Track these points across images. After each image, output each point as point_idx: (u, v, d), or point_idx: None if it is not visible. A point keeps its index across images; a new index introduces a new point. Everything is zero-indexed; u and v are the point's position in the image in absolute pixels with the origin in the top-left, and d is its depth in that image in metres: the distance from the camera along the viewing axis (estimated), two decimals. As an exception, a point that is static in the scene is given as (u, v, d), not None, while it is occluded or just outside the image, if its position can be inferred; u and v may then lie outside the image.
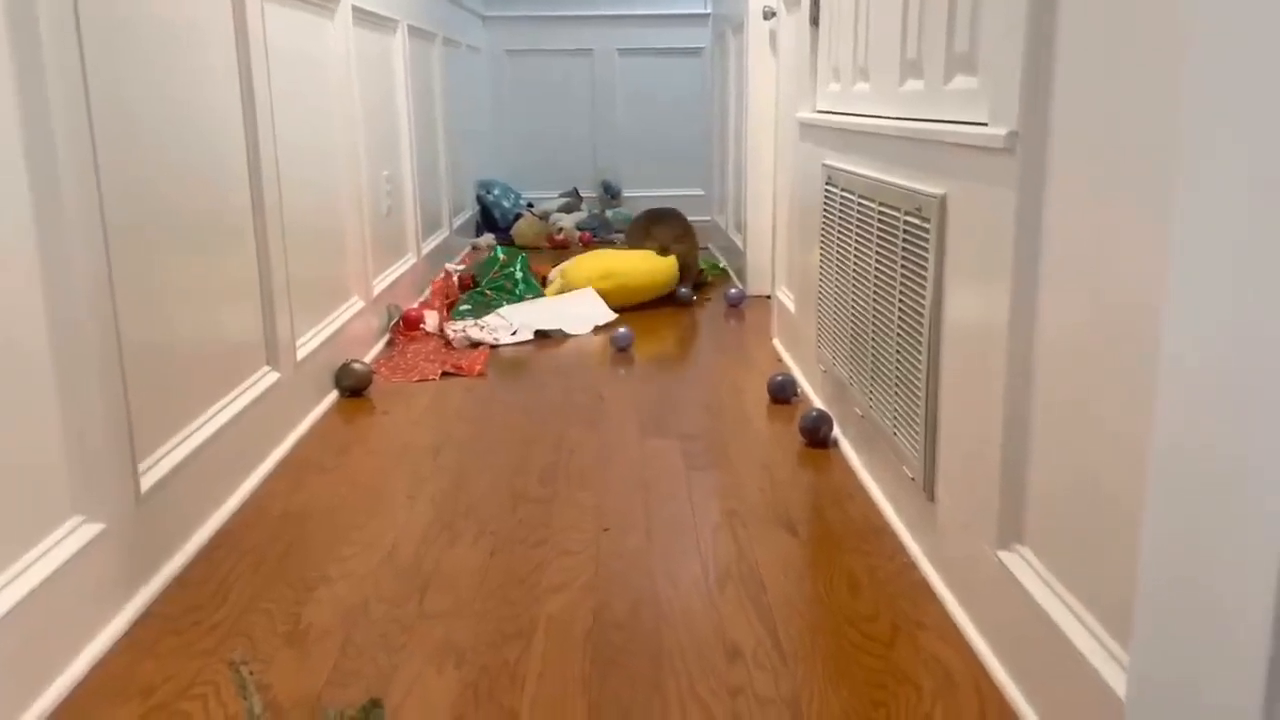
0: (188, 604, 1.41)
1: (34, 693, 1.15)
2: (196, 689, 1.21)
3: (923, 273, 1.44)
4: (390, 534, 1.63)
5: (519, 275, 3.34)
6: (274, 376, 1.95)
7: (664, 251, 3.44)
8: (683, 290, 3.37)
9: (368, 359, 2.60)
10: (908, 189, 1.51)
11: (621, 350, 2.79)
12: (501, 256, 3.43)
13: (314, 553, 1.57)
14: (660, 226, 3.69)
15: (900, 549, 1.56)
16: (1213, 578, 0.54)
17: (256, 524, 1.67)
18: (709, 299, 3.49)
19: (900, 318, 1.56)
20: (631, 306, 3.26)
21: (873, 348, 1.72)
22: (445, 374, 2.54)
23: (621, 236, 4.86)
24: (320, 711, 1.15)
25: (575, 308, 3.13)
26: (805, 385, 2.36)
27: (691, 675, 1.24)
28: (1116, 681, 0.92)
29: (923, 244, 1.44)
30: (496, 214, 4.97)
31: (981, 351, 1.24)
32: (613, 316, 3.14)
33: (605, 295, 3.19)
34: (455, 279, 3.47)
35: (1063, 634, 1.03)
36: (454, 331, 2.81)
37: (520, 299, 3.22)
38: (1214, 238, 0.62)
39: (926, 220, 1.42)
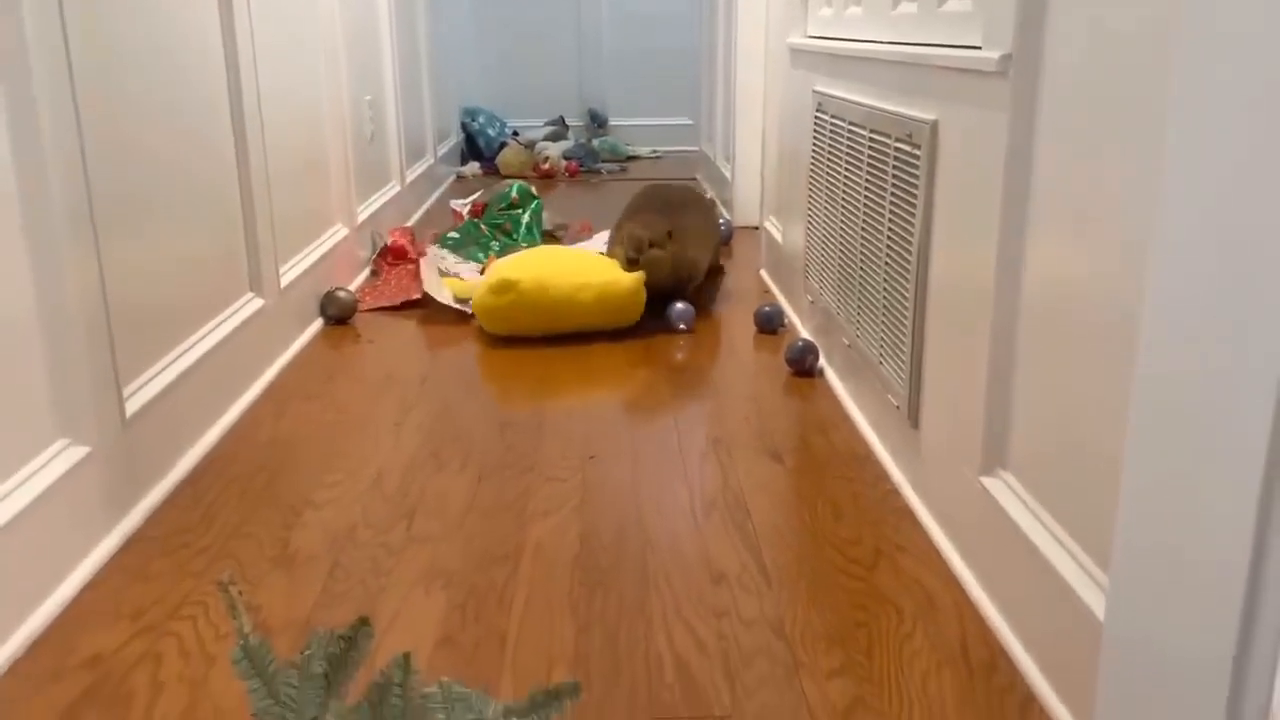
0: (175, 527, 1.41)
1: (23, 614, 1.16)
2: (185, 610, 1.22)
3: (912, 200, 1.43)
4: (376, 461, 1.64)
5: (524, 220, 3.09)
6: (258, 303, 1.94)
7: (632, 263, 2.23)
8: (678, 308, 2.29)
9: (352, 287, 2.58)
10: (899, 115, 1.49)
11: (684, 330, 2.29)
12: (514, 195, 3.12)
13: (300, 478, 1.57)
14: (648, 214, 2.32)
15: (884, 476, 1.58)
16: (1193, 501, 0.54)
17: (243, 450, 1.67)
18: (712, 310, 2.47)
19: (889, 246, 1.55)
20: (555, 337, 2.20)
21: (860, 277, 1.72)
22: (426, 294, 2.51)
23: (612, 167, 4.77)
24: (310, 632, 1.16)
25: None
26: (792, 316, 2.35)
27: (677, 598, 1.25)
28: (1096, 603, 0.94)
29: (913, 171, 1.43)
30: (481, 142, 4.90)
31: (969, 279, 1.24)
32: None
33: (490, 315, 2.20)
34: (465, 211, 3.31)
35: (1043, 557, 1.05)
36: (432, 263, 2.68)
37: (514, 245, 2.99)
38: (1207, 160, 0.61)
39: (917, 147, 1.41)
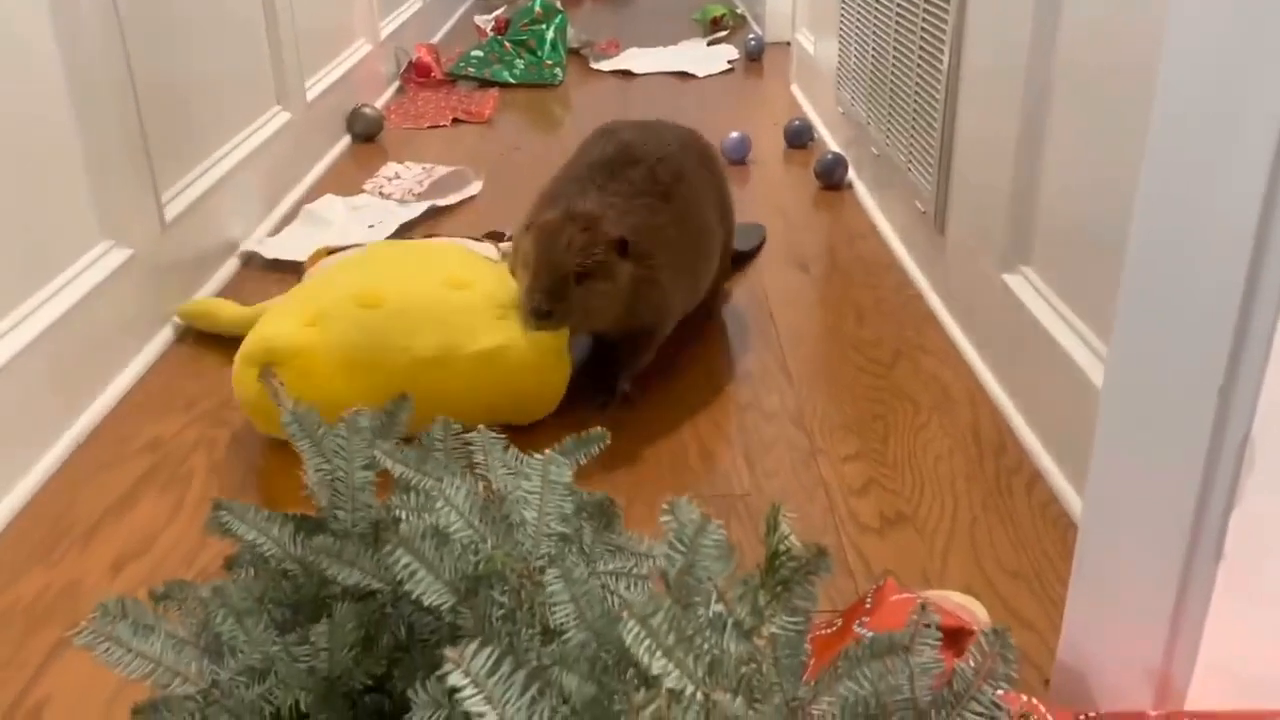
0: (220, 329, 1.47)
1: (82, 403, 1.23)
2: (235, 402, 1.28)
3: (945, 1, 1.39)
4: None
5: (549, 36, 3.01)
6: (285, 116, 1.94)
7: (542, 316, 1.12)
8: (620, 383, 1.26)
9: (379, 105, 2.56)
10: (937, -96, 1.43)
11: (737, 162, 2.12)
12: (538, 10, 3.04)
13: (337, 285, 1.61)
14: (592, 189, 1.21)
15: (908, 282, 1.60)
16: (1192, 254, 0.56)
17: (282, 259, 1.71)
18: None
19: (921, 45, 1.52)
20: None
21: (891, 83, 1.69)
22: (456, 120, 2.51)
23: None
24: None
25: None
26: (822, 130, 2.32)
27: (702, 393, 1.30)
28: (1104, 384, 0.97)
29: (949, -36, 1.38)
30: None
31: (999, 80, 1.22)
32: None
33: (254, 406, 1.14)
34: (489, 28, 3.24)
35: (1060, 347, 1.07)
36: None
37: (539, 62, 2.97)
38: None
39: (954, -63, 1.36)
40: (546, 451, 0.61)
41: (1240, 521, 0.53)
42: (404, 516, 0.56)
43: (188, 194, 1.53)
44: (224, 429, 1.23)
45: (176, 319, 1.44)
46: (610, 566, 0.59)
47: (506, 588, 0.52)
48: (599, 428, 0.64)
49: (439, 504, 0.56)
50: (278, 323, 1.14)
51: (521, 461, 0.67)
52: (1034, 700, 0.62)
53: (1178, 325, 0.56)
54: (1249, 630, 0.56)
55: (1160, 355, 0.57)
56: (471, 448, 0.69)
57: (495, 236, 1.58)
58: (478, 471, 0.65)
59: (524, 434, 1.15)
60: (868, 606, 0.70)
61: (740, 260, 1.66)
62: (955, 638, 0.63)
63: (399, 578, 0.52)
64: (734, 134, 2.17)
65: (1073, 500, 1.04)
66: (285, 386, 0.92)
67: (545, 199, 1.26)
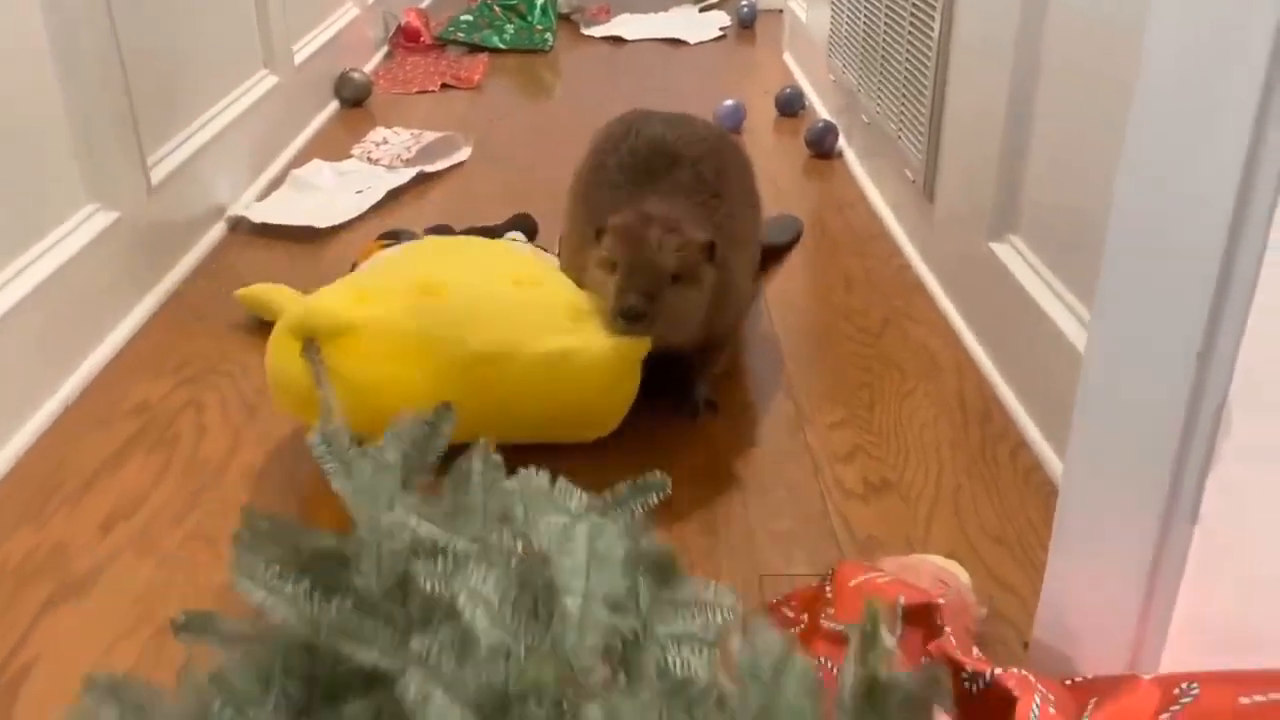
0: (210, 291, 1.47)
1: (72, 364, 1.23)
2: (224, 365, 1.28)
3: (940, -37, 1.38)
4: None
5: (539, 1, 2.98)
6: (272, 80, 1.92)
7: (634, 319, 1.03)
8: (698, 392, 1.19)
9: (367, 70, 2.54)
10: None
11: (731, 131, 2.05)
12: None
13: (329, 250, 1.61)
14: (657, 194, 1.13)
15: (897, 251, 1.60)
16: (1172, 224, 0.56)
17: (270, 224, 1.70)
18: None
19: (912, 17, 1.51)
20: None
21: (883, 51, 1.68)
22: (445, 85, 2.49)
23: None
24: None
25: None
26: (814, 98, 2.31)
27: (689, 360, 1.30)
28: (1088, 352, 0.98)
29: (942, -69, 1.37)
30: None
31: (989, 50, 1.22)
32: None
33: (289, 392, 1.05)
34: None
35: (1044, 314, 1.08)
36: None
37: (529, 27, 2.93)
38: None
39: (948, -97, 1.35)
40: (591, 508, 0.54)
41: (1216, 485, 0.54)
42: (428, 587, 0.49)
43: (174, 157, 1.52)
44: (213, 392, 1.23)
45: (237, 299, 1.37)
46: (672, 629, 0.53)
47: (545, 701, 0.45)
48: (658, 473, 0.58)
49: (462, 599, 0.48)
50: (327, 296, 1.05)
51: (570, 499, 0.59)
52: (1024, 672, 0.62)
53: (1158, 292, 0.56)
54: (1223, 592, 0.57)
55: (1140, 321, 0.57)
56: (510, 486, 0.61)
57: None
58: (516, 527, 0.57)
59: (577, 457, 0.97)
60: (829, 596, 0.70)
61: (775, 254, 1.57)
62: (923, 614, 0.64)
63: (411, 709, 0.45)
64: (728, 102, 2.16)
65: (1057, 467, 1.05)
66: (328, 367, 0.88)
67: (587, 204, 1.19)
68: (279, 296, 1.29)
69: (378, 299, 1.04)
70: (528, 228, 1.58)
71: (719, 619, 0.54)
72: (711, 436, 1.15)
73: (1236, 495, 0.55)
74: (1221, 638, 0.57)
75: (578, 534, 0.51)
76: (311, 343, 0.99)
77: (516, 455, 1.02)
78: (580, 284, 1.12)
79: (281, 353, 1.03)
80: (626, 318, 1.02)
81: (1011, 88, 1.15)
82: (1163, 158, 0.56)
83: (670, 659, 0.51)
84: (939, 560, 0.88)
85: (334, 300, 1.04)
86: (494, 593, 0.47)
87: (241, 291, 1.36)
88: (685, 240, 1.05)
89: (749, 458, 1.11)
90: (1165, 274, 0.55)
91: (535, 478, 0.58)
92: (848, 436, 1.15)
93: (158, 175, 1.45)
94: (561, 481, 0.60)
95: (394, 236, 1.46)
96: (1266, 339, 0.51)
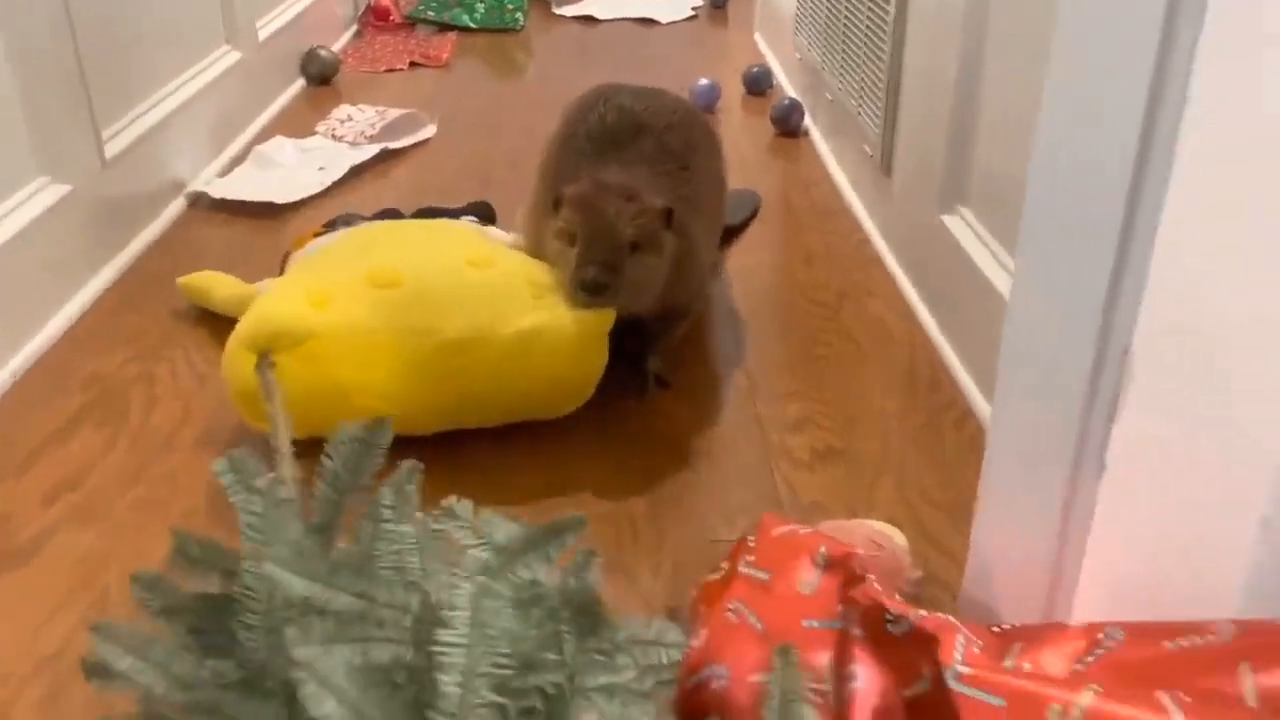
0: (166, 266, 1.45)
1: (24, 336, 1.22)
2: (177, 338, 1.28)
3: (896, -64, 1.39)
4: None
5: None
6: (235, 56, 1.91)
7: (596, 290, 1.02)
8: (649, 365, 1.19)
9: (335, 48, 2.52)
10: None
11: (705, 111, 2.04)
12: None
13: (289, 226, 1.60)
14: (617, 162, 1.14)
15: (857, 227, 1.60)
16: (1081, 180, 0.57)
17: (230, 200, 1.69)
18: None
19: (872, -11, 1.51)
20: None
21: (844, 28, 1.68)
22: (413, 64, 2.48)
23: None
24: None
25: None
26: (781, 76, 2.31)
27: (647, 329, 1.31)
28: (1030, 320, 0.99)
29: (898, -96, 1.37)
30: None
31: (940, 27, 1.22)
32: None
33: (244, 396, 1.01)
34: None
35: (992, 285, 1.09)
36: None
37: (500, 6, 2.86)
38: None
39: (903, -124, 1.35)
40: (505, 551, 0.50)
41: (1121, 435, 0.55)
42: (302, 660, 0.44)
43: (130, 131, 1.51)
44: (164, 364, 1.23)
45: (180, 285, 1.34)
46: (599, 681, 0.50)
47: None
48: (577, 514, 0.55)
49: (309, 687, 0.43)
50: (280, 303, 1.00)
51: (497, 531, 0.55)
52: (949, 617, 0.63)
53: (1070, 245, 0.57)
54: (1129, 541, 0.58)
55: (1051, 278, 0.58)
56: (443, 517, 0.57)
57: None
58: (411, 579, 0.53)
59: (544, 438, 1.08)
60: (751, 545, 0.70)
61: (734, 230, 1.53)
62: (843, 563, 0.64)
63: None
64: (703, 80, 2.16)
65: (1000, 435, 1.06)
66: (283, 379, 0.75)
67: (549, 174, 1.19)
68: (219, 285, 1.28)
69: (332, 299, 1.00)
70: (485, 215, 1.54)
71: (663, 659, 0.52)
72: (664, 409, 1.15)
73: (1140, 444, 0.55)
74: (1129, 587, 0.58)
75: (459, 599, 0.47)
76: (265, 358, 0.90)
77: (468, 444, 1.04)
78: (538, 255, 1.11)
79: (238, 367, 1.00)
80: (588, 291, 1.01)
81: (960, 64, 1.16)
82: (1072, 131, 0.57)
83: (603, 713, 0.49)
84: (876, 524, 0.89)
85: (287, 306, 1.00)
86: (341, 670, 0.43)
87: (182, 280, 1.33)
88: (643, 208, 1.04)
89: (701, 429, 1.12)
90: (1075, 228, 0.56)
91: (454, 509, 0.55)
92: (799, 407, 1.16)
93: (112, 149, 1.44)
94: (485, 516, 0.57)
95: (346, 223, 1.42)
96: (1167, 294, 0.52)
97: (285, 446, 0.65)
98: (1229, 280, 0.51)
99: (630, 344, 1.15)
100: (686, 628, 0.76)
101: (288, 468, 0.64)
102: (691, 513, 0.99)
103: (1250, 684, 0.50)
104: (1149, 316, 0.52)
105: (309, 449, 0.66)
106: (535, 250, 1.13)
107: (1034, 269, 0.60)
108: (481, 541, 0.56)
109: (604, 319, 1.03)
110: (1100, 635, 0.56)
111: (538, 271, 1.08)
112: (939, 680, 0.52)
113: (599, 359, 1.05)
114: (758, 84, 2.25)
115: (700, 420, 1.13)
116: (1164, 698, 0.49)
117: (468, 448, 1.05)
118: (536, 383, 1.03)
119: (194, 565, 0.59)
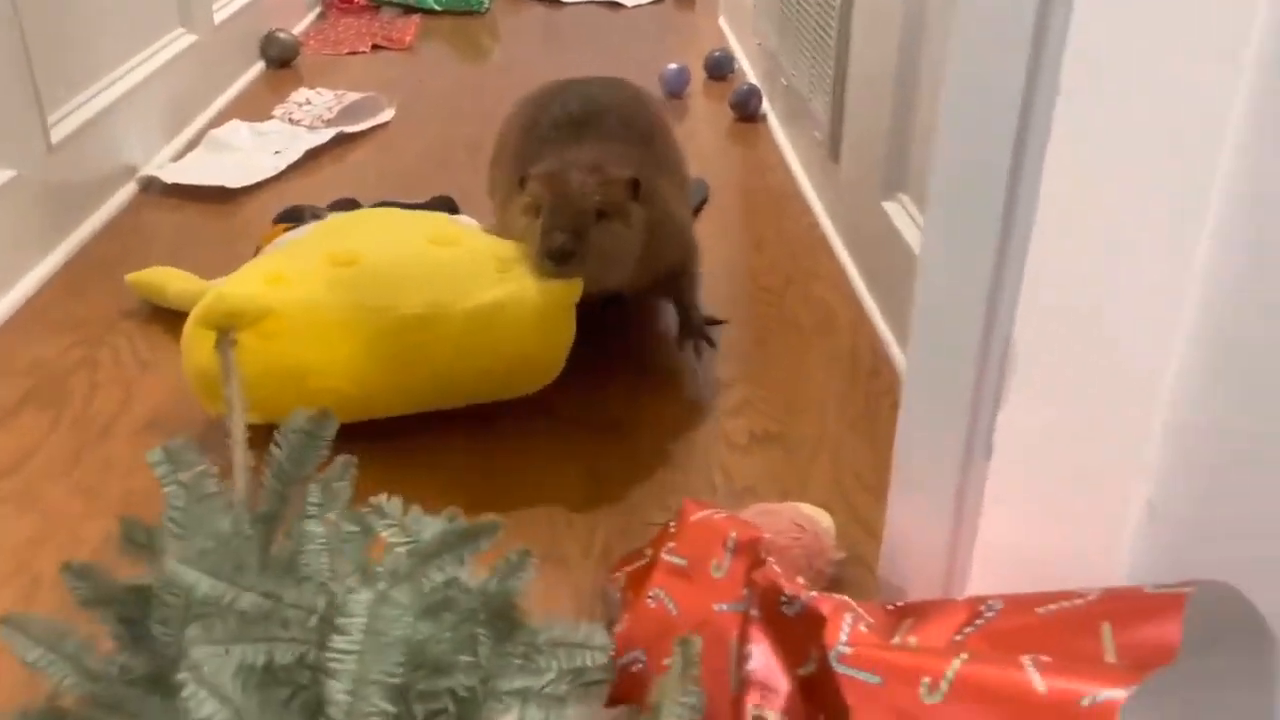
0: (115, 251, 1.45)
1: (-35, 324, 1.22)
2: (122, 325, 1.28)
3: (843, -77, 1.39)
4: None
5: None
6: (190, 39, 1.90)
7: (562, 258, 1.00)
8: (695, 319, 1.22)
9: (298, 30, 2.51)
10: None
11: (674, 95, 2.11)
12: None
13: (242, 211, 1.60)
14: (577, 142, 1.15)
15: (808, 211, 1.62)
16: (971, 173, 0.58)
17: (182, 184, 1.68)
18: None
19: (822, -25, 1.52)
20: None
21: (797, 14, 1.69)
22: (376, 46, 2.47)
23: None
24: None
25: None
26: (743, 62, 2.32)
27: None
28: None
29: (845, -110, 1.38)
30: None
31: (881, 13, 1.23)
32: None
33: (202, 378, 0.99)
34: None
35: (926, 271, 1.10)
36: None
37: None
38: None
39: None
40: (416, 553, 0.50)
41: (1006, 420, 0.56)
42: (191, 660, 0.43)
43: (78, 115, 1.50)
44: (106, 350, 1.23)
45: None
46: (515, 684, 0.50)
47: None
48: (492, 518, 0.55)
49: (188, 690, 0.42)
50: (237, 283, 1.00)
51: (422, 529, 0.55)
52: (845, 598, 0.64)
53: (958, 236, 0.58)
54: (1015, 521, 0.59)
55: (946, 267, 0.59)
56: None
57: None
58: (322, 580, 0.53)
59: (485, 424, 1.08)
60: (672, 531, 0.72)
61: None
62: (749, 547, 0.66)
63: None
64: (672, 65, 2.15)
65: (934, 419, 1.08)
66: (240, 358, 0.74)
67: (517, 159, 1.19)
68: (170, 280, 1.27)
69: (288, 278, 0.99)
70: (448, 209, 1.52)
71: (589, 660, 0.52)
72: (605, 392, 1.16)
73: (1023, 428, 0.57)
74: (1019, 565, 0.60)
75: (356, 606, 0.47)
76: (225, 336, 0.84)
77: (409, 430, 1.04)
78: (508, 238, 1.10)
79: (196, 348, 0.98)
80: (554, 259, 1.00)
81: (900, 50, 1.17)
82: (967, 125, 0.58)
83: (517, 716, 0.49)
84: (805, 508, 0.90)
85: (245, 286, 0.99)
86: (230, 672, 0.43)
87: (131, 277, 1.30)
88: (608, 178, 1.04)
89: (642, 413, 1.13)
90: (960, 220, 0.57)
91: (383, 507, 0.55)
92: (740, 392, 1.17)
93: (59, 133, 1.43)
94: (413, 514, 0.57)
95: (295, 215, 1.40)
96: (1046, 283, 0.53)
97: (240, 432, 0.65)
98: (1105, 266, 0.53)
99: (614, 319, 1.16)
100: (616, 606, 0.78)
101: (241, 453, 0.64)
102: (626, 496, 1.00)
103: (1110, 641, 0.51)
104: (1029, 305, 0.53)
105: (268, 436, 0.65)
106: (504, 233, 1.12)
107: (933, 263, 0.62)
108: (409, 540, 0.56)
109: (570, 290, 1.01)
110: (981, 607, 0.57)
111: (505, 249, 1.06)
112: (824, 661, 0.53)
113: (566, 332, 1.02)
114: (719, 68, 2.25)
115: (642, 405, 1.15)
116: (1025, 659, 0.51)
117: (407, 433, 1.06)
118: (501, 359, 1.01)
119: (140, 551, 0.59)
